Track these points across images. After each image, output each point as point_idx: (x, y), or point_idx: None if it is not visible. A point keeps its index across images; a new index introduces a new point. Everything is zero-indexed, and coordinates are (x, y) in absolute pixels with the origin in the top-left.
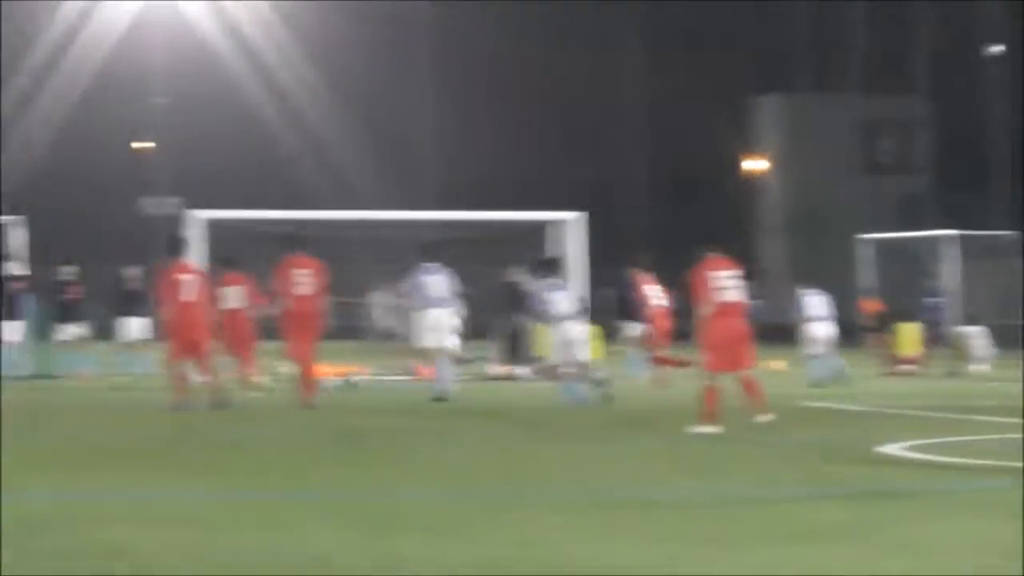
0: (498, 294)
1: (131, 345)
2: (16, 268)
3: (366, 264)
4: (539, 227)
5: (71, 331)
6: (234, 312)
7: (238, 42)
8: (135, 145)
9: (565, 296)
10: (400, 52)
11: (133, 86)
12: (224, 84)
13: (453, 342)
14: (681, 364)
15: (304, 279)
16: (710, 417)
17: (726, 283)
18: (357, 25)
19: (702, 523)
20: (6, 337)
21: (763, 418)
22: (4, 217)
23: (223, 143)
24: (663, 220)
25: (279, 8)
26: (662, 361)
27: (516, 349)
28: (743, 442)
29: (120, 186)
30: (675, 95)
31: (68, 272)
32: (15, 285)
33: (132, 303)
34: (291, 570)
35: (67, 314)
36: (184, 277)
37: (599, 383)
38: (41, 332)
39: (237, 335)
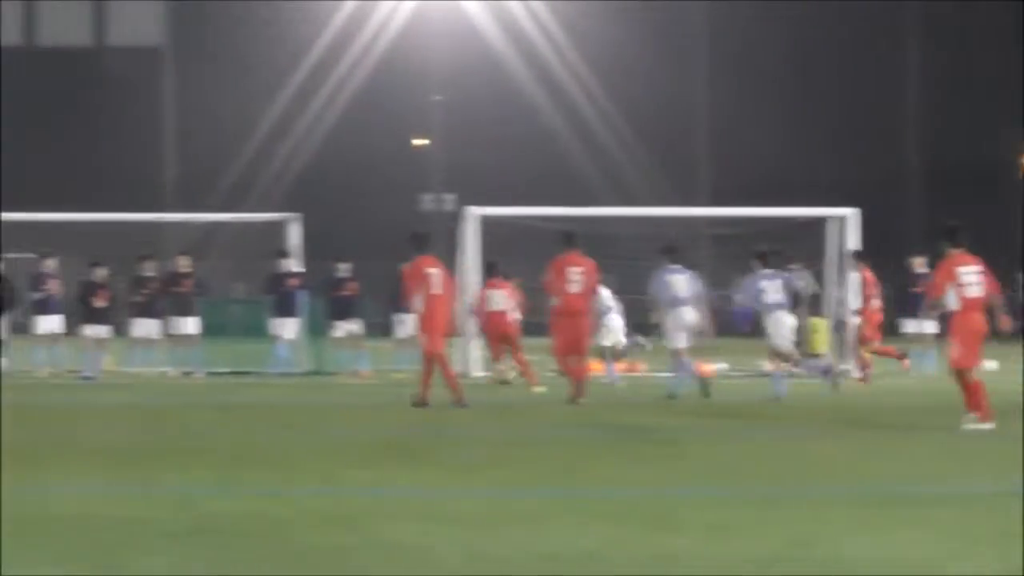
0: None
1: (405, 341)
2: (292, 265)
3: (645, 260)
4: (813, 223)
5: (346, 328)
6: (499, 314)
7: (513, 39)
8: (416, 142)
9: (778, 286)
10: (674, 51)
11: (411, 83)
12: (500, 81)
13: (683, 342)
14: (900, 356)
15: (576, 277)
16: (981, 411)
17: (971, 279)
18: (632, 24)
19: (982, 520)
20: (282, 335)
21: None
22: (280, 214)
23: (499, 140)
24: (938, 217)
25: (554, 7)
26: (881, 353)
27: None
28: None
29: (397, 183)
30: (952, 89)
31: (344, 269)
32: (291, 282)
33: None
34: (562, 567)
35: (342, 311)
36: (431, 271)
37: (829, 373)
38: (316, 329)
39: (498, 335)
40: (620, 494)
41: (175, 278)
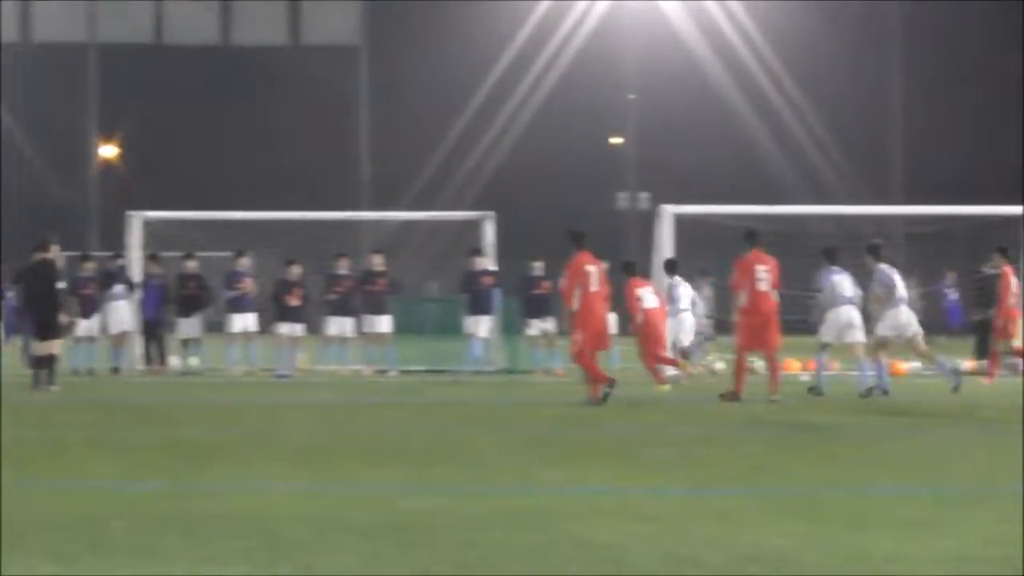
0: (973, 288)
1: None
2: (486, 263)
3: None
4: (1009, 222)
5: (540, 326)
6: (652, 311)
7: (708, 36)
8: (611, 140)
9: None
10: (868, 48)
11: (606, 81)
12: (694, 78)
13: (857, 338)
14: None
15: (763, 275)
16: None
17: None
18: (826, 21)
19: None
20: (477, 333)
21: None
22: (475, 213)
23: (694, 138)
24: None
25: (749, 4)
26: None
27: (982, 343)
28: None
29: (592, 181)
30: None
31: (538, 267)
32: (485, 280)
33: None
34: (756, 567)
35: (537, 309)
36: (589, 269)
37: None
38: (510, 327)
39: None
40: (813, 493)
41: (369, 276)
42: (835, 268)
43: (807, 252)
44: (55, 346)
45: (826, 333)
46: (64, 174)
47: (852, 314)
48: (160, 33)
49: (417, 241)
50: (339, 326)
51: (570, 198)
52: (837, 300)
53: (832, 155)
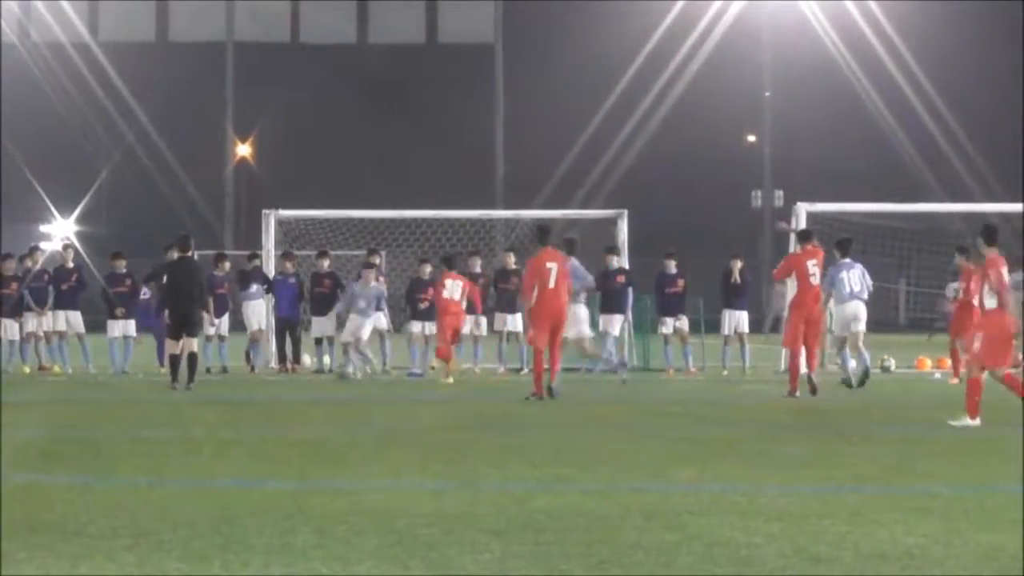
0: None
1: (731, 338)
2: (620, 261)
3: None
4: None
5: (673, 324)
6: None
7: (842, 34)
8: (747, 138)
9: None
10: (1005, 47)
11: (741, 80)
12: (829, 77)
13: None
14: None
15: (813, 269)
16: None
17: None
18: (962, 20)
19: None
20: (609, 331)
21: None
22: (609, 210)
23: (829, 136)
24: None
25: (884, 4)
26: None
27: None
28: None
29: (726, 179)
30: None
31: (671, 265)
32: (618, 279)
33: (734, 295)
34: (887, 565)
35: (670, 307)
36: (549, 265)
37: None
38: (643, 326)
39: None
40: (945, 491)
41: (502, 275)
42: (846, 261)
43: (942, 250)
44: (193, 344)
45: (837, 327)
46: (199, 173)
47: (858, 309)
48: (296, 32)
49: (551, 239)
50: (471, 325)
51: (704, 196)
52: (843, 296)
53: (967, 152)
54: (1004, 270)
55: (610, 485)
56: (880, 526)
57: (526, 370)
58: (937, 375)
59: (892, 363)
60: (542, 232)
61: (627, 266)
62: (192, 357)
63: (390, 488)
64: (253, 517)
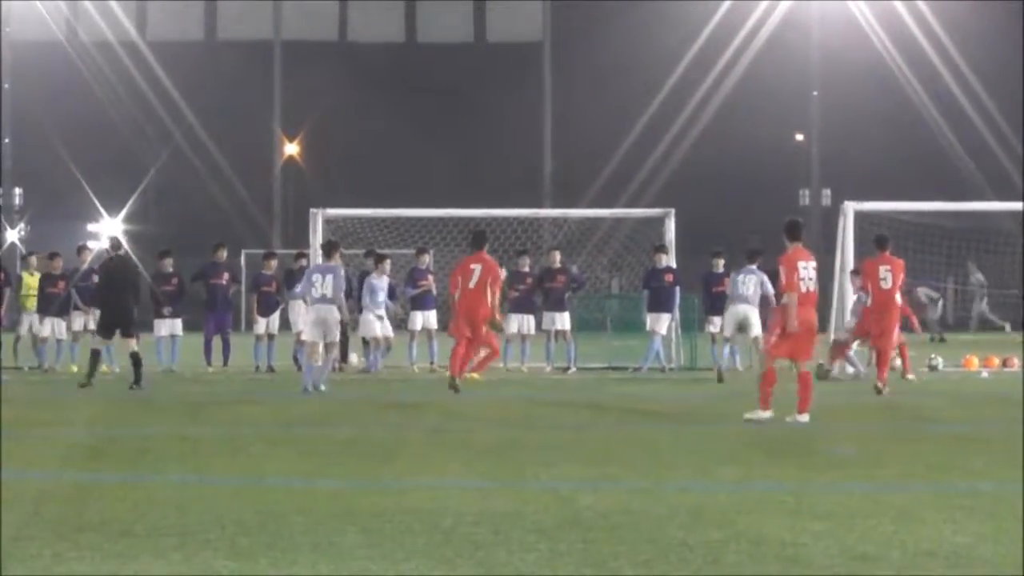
0: None
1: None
2: (668, 260)
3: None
4: None
5: (720, 323)
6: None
7: (890, 32)
8: (795, 137)
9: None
10: None
11: (789, 78)
12: (878, 75)
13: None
14: None
15: (886, 274)
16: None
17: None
18: (1011, 20)
19: None
20: (657, 330)
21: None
22: (656, 209)
23: (877, 134)
24: None
25: (932, 4)
26: None
27: None
28: None
29: (774, 177)
30: None
31: (719, 265)
32: (667, 277)
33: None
34: (935, 564)
35: (717, 307)
36: (473, 267)
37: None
38: (690, 324)
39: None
40: (993, 489)
41: (549, 273)
42: (751, 267)
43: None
44: (131, 343)
45: (727, 328)
46: (248, 172)
47: (748, 312)
48: (345, 31)
49: (598, 238)
50: (518, 323)
51: (752, 195)
52: (735, 298)
53: (1016, 151)
54: (802, 264)
55: (657, 484)
56: (927, 525)
57: (574, 369)
58: (984, 373)
59: (940, 361)
60: (476, 237)
61: (676, 265)
62: (135, 356)
63: (437, 487)
64: (300, 515)
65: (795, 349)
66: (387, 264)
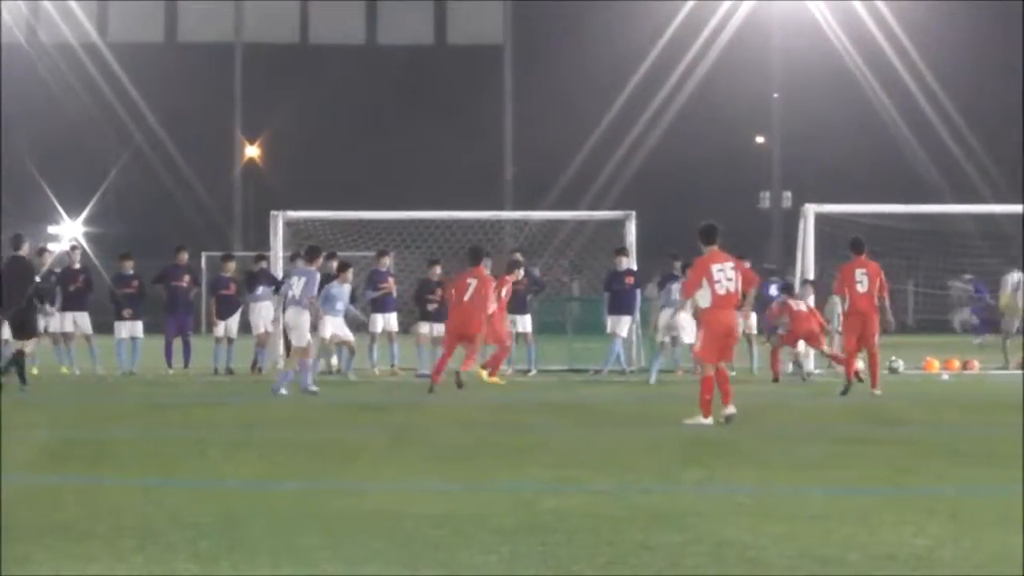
0: None
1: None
2: (628, 263)
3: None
4: None
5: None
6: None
7: (850, 34)
8: (756, 140)
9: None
10: (1014, 48)
11: (750, 80)
12: (838, 77)
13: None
14: None
15: (862, 278)
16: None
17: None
18: (969, 20)
19: None
20: (618, 332)
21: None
22: (617, 212)
23: (837, 137)
24: None
25: (892, 5)
26: None
27: None
28: None
29: (735, 180)
30: None
31: (679, 267)
32: (627, 280)
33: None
34: (896, 567)
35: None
36: (470, 281)
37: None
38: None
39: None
40: (954, 492)
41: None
42: (677, 274)
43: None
44: (26, 344)
45: (661, 335)
46: (209, 174)
47: (678, 317)
48: (306, 33)
49: (559, 240)
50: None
51: (713, 197)
52: (668, 303)
53: (976, 154)
54: (717, 267)
55: (617, 486)
56: (887, 527)
57: (535, 371)
58: (945, 376)
59: (900, 364)
60: (473, 253)
61: (636, 268)
62: (20, 356)
63: (399, 489)
64: (261, 518)
65: (719, 351)
66: (349, 273)
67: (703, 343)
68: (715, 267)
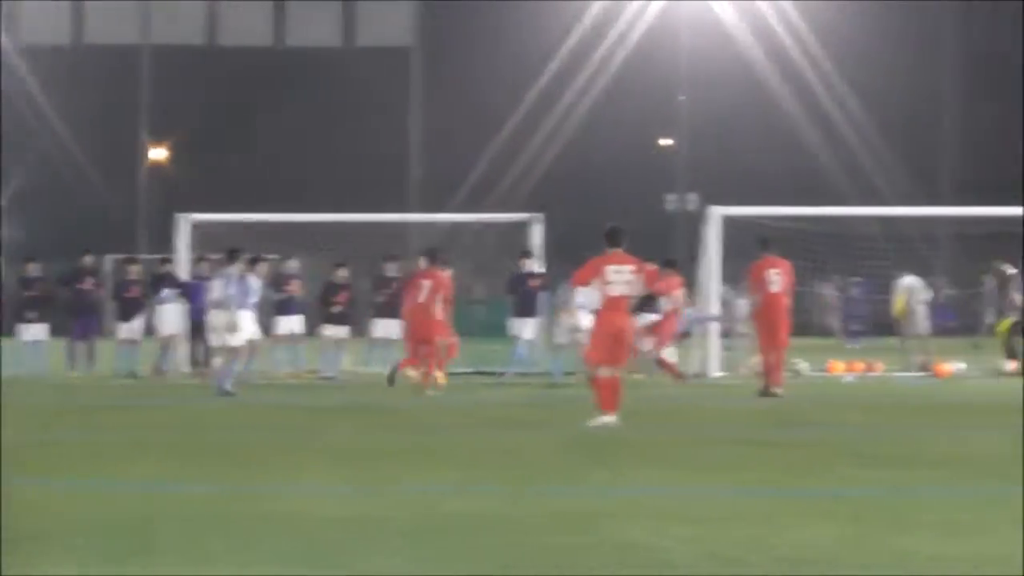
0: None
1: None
2: (534, 266)
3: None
4: None
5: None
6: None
7: (758, 36)
8: (662, 142)
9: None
10: (920, 49)
11: (656, 83)
12: (745, 79)
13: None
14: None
15: (775, 277)
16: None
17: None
18: (877, 19)
19: None
20: (522, 335)
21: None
22: (523, 215)
23: (743, 140)
24: None
25: (799, 5)
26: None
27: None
28: None
29: (641, 183)
30: None
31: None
32: (532, 283)
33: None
34: (797, 567)
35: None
36: (423, 283)
37: None
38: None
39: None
40: (854, 494)
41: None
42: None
43: (855, 253)
44: None
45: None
46: (114, 176)
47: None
48: (213, 34)
49: (465, 243)
50: (386, 328)
51: (619, 200)
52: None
53: (882, 156)
54: (614, 268)
55: (522, 488)
56: (791, 528)
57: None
58: (849, 378)
59: (804, 366)
60: (428, 254)
61: (542, 270)
62: None
63: (303, 492)
64: (168, 520)
65: (608, 352)
66: (262, 267)
67: (592, 343)
68: (611, 268)
